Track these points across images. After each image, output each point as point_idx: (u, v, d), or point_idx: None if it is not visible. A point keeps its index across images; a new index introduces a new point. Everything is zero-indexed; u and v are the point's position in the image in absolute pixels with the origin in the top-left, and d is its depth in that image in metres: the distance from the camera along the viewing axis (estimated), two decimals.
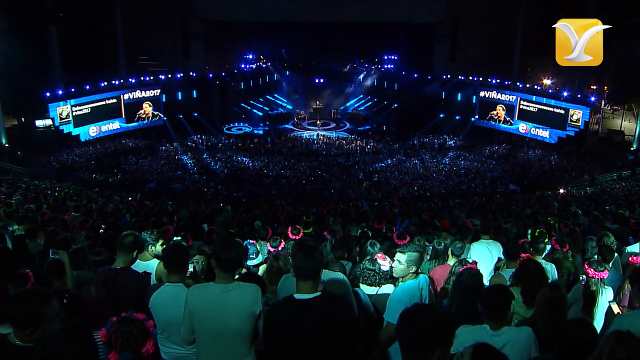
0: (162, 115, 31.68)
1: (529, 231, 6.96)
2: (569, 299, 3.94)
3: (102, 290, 3.56)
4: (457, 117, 33.46)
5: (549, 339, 2.89)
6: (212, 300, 2.84)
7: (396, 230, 7.44)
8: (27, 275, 3.64)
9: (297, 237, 5.93)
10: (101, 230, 7.61)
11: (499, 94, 31.34)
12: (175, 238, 5.56)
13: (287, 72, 39.71)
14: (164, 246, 4.46)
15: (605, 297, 3.74)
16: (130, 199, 16.87)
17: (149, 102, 31.01)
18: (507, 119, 31.18)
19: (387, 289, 3.84)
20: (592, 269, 3.75)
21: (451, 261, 4.86)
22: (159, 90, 31.50)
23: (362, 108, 39.10)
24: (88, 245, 5.75)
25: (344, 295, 3.22)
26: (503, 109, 31.33)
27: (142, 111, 30.85)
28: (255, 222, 8.54)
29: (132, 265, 3.93)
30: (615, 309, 3.42)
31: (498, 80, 31.46)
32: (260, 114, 37.79)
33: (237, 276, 4.46)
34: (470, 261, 4.36)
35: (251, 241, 5.62)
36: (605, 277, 3.77)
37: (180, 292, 3.18)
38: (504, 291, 2.97)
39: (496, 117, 31.68)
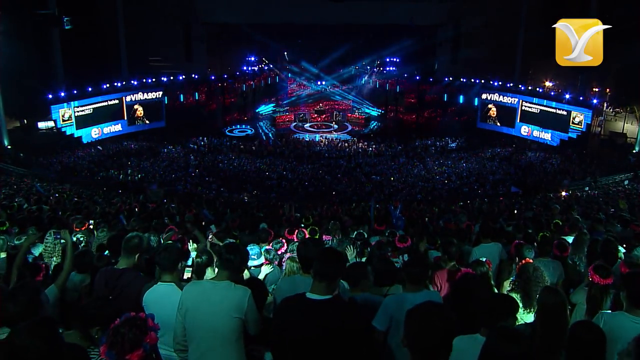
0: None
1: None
2: (571, 299, 3.92)
3: (105, 290, 3.57)
4: (459, 120, 33.39)
5: (551, 345, 2.86)
6: (200, 295, 2.92)
7: (392, 216, 7.41)
8: (39, 267, 3.66)
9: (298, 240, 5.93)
10: (91, 226, 7.62)
11: (501, 96, 31.31)
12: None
13: (289, 74, 39.73)
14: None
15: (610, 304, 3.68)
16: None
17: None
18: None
19: (396, 289, 3.80)
20: (597, 276, 3.59)
21: (449, 266, 4.83)
22: (161, 92, 31.54)
23: (364, 110, 39.06)
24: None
25: (355, 302, 3.26)
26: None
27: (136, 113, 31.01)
28: (261, 225, 8.52)
29: None
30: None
31: (500, 83, 31.40)
32: (262, 116, 37.79)
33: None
34: (484, 260, 4.32)
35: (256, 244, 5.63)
36: (610, 284, 3.60)
37: (172, 292, 3.21)
38: (509, 302, 2.88)
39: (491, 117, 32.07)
